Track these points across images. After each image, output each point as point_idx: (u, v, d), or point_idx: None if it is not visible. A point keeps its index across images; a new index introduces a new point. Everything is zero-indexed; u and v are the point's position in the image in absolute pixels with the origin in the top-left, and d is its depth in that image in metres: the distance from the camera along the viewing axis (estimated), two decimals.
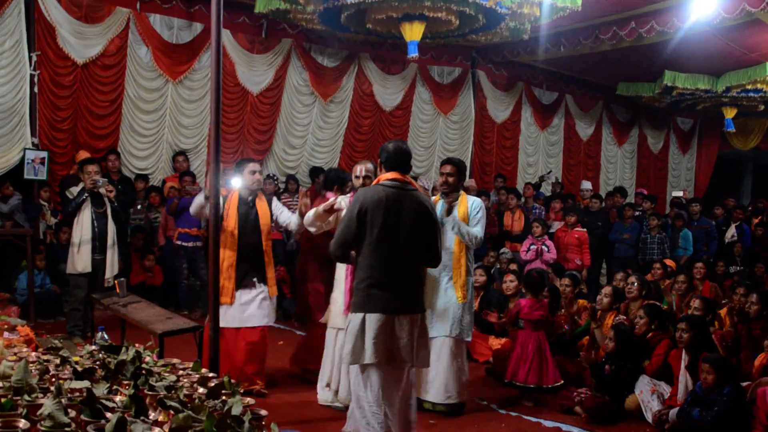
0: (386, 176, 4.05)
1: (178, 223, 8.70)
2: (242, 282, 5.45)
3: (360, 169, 5.22)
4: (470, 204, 5.39)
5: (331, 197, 5.71)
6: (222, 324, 5.25)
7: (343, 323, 4.86)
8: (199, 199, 5.44)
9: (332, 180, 6.21)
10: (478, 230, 5.31)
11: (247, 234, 5.49)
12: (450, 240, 5.27)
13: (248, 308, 5.47)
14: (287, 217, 5.75)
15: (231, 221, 5.44)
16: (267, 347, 5.74)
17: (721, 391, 4.75)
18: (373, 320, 3.90)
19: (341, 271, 5.22)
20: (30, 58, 8.24)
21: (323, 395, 5.39)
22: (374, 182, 4.15)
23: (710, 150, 17.23)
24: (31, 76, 8.26)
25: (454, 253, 5.30)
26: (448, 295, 5.30)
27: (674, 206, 12.14)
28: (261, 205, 5.64)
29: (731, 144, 16.14)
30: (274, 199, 5.96)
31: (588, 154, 14.97)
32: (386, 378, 3.97)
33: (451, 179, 5.35)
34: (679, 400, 5.12)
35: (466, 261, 5.35)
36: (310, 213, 5.23)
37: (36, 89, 8.32)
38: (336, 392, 5.28)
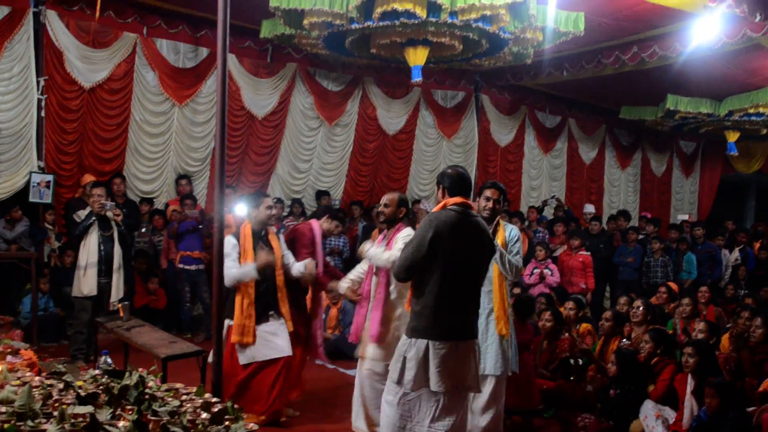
0: (453, 200, 4.01)
1: (180, 247, 8.73)
2: (261, 318, 5.41)
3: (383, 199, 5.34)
4: (507, 232, 5.10)
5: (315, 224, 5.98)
6: (247, 360, 5.32)
7: (371, 353, 4.99)
8: (245, 270, 5.36)
9: (322, 212, 6.41)
10: (518, 259, 5.03)
11: (264, 270, 5.44)
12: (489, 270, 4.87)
13: (274, 339, 5.42)
14: (295, 267, 5.71)
15: (248, 258, 5.38)
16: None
17: (726, 416, 4.71)
18: (438, 347, 3.85)
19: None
20: (38, 82, 8.33)
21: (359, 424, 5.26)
22: (438, 207, 4.06)
23: (713, 173, 17.25)
24: (39, 101, 8.35)
25: (494, 284, 5.00)
26: (490, 330, 4.98)
27: (672, 229, 12.09)
28: (273, 240, 5.61)
29: (734, 167, 16.18)
30: (281, 237, 5.90)
31: (591, 177, 15.00)
32: (441, 401, 3.91)
33: (495, 204, 5.01)
34: (684, 425, 5.08)
35: (506, 293, 5.07)
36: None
37: (43, 113, 8.40)
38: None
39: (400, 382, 3.91)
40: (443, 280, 3.87)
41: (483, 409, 4.96)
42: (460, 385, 3.93)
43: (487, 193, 5.03)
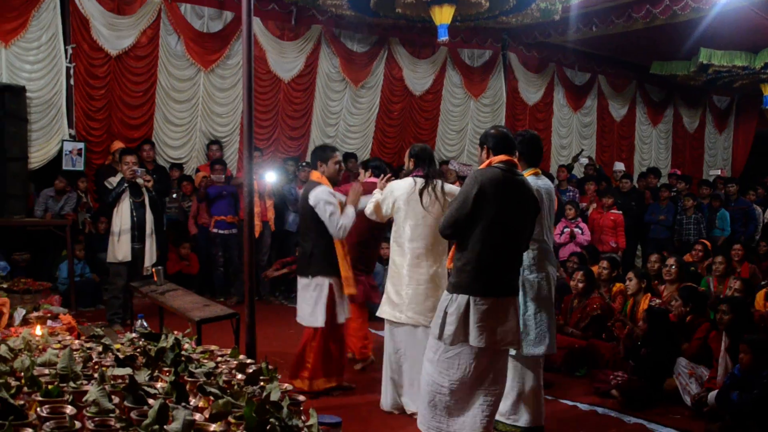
0: (498, 158, 4.00)
1: (213, 211, 8.80)
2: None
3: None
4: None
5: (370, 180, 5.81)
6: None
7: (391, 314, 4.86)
8: (348, 214, 5.15)
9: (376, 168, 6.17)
10: None
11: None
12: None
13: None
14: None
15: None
16: None
17: (760, 373, 4.68)
18: (479, 303, 3.87)
19: (401, 259, 4.89)
20: (66, 51, 8.37)
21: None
22: (484, 164, 4.05)
23: (748, 128, 16.86)
24: (67, 69, 8.40)
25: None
26: None
27: (703, 185, 11.81)
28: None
29: None
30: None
31: (621, 135, 14.76)
32: (480, 359, 3.93)
33: None
34: (719, 382, 5.06)
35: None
36: (370, 205, 5.14)
37: (72, 81, 8.46)
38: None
39: (440, 337, 3.94)
40: (486, 237, 3.88)
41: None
42: (501, 342, 3.94)
43: None
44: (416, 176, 4.91)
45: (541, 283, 4.55)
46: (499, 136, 4.09)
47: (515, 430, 4.63)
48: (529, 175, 4.62)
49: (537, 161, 4.66)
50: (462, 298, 3.90)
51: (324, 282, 5.14)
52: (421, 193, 4.81)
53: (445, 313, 3.94)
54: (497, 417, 4.64)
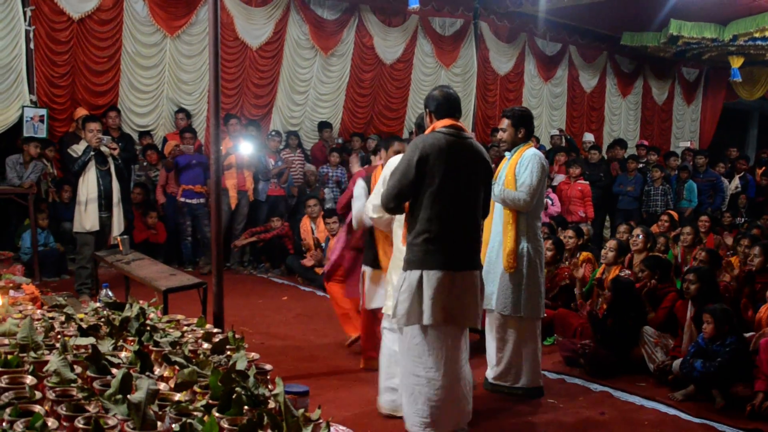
0: (442, 123, 3.73)
1: (182, 180, 8.68)
2: None
3: None
4: (521, 160, 4.62)
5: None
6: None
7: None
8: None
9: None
10: (516, 191, 4.56)
11: None
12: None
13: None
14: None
15: None
16: None
17: (723, 342, 4.76)
18: (432, 277, 3.60)
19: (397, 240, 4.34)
20: (24, 13, 8.10)
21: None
22: (428, 130, 3.77)
23: (716, 100, 17.05)
24: (27, 32, 8.14)
25: (505, 215, 4.63)
26: (499, 264, 4.65)
27: (671, 156, 11.97)
28: None
29: (737, 94, 15.96)
30: None
31: (592, 106, 14.84)
32: (447, 340, 3.68)
33: (507, 135, 4.71)
34: (683, 351, 5.14)
35: (524, 226, 4.63)
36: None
37: (32, 45, 8.20)
38: None
39: (394, 316, 3.73)
40: (434, 206, 3.62)
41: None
42: (458, 320, 3.70)
43: (500, 125, 4.79)
44: None
45: (544, 250, 4.67)
46: (440, 99, 3.79)
47: (516, 391, 4.71)
48: (527, 149, 4.66)
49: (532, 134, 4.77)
50: (414, 274, 3.64)
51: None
52: None
53: (399, 292, 3.72)
54: (497, 381, 4.77)
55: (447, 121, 3.74)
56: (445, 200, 3.63)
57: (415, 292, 3.62)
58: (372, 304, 4.88)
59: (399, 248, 4.12)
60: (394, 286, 4.00)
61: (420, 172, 3.59)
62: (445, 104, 3.78)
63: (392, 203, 3.71)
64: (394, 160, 4.17)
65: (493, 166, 4.02)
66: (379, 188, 4.13)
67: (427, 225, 3.62)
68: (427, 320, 3.59)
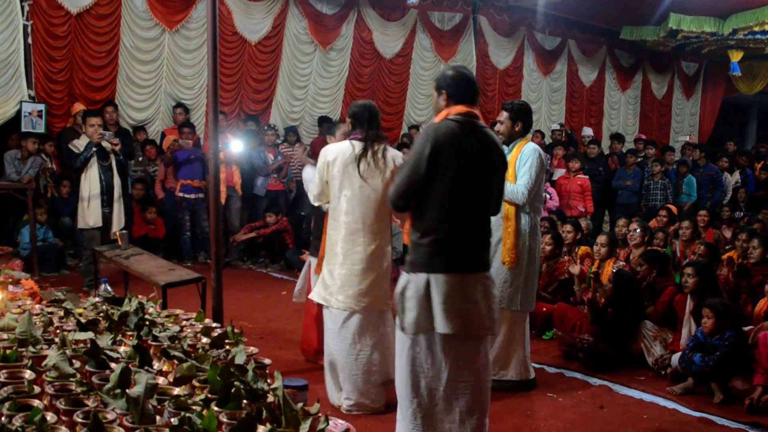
0: (455, 110, 3.28)
1: (180, 175, 8.67)
2: None
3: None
4: (520, 155, 4.60)
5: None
6: None
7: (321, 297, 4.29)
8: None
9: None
10: (517, 185, 4.52)
11: None
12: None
13: None
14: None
15: None
16: None
17: (722, 336, 4.77)
18: (441, 282, 3.19)
19: (336, 235, 4.25)
20: (22, 7, 8.08)
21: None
22: (439, 117, 3.34)
23: (715, 95, 17.02)
24: (25, 27, 8.12)
25: (505, 208, 4.50)
26: (496, 259, 4.55)
27: (668, 150, 11.96)
28: None
29: (737, 88, 15.95)
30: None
31: (591, 100, 14.81)
32: (459, 350, 3.26)
33: (505, 128, 4.68)
34: (682, 345, 5.15)
35: (523, 221, 4.62)
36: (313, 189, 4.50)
37: (30, 40, 8.18)
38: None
39: (402, 326, 3.26)
40: (446, 203, 3.22)
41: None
42: (473, 327, 3.26)
43: (498, 117, 4.74)
44: (353, 139, 4.22)
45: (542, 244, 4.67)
46: (460, 80, 3.36)
47: (505, 384, 4.69)
48: (527, 143, 4.66)
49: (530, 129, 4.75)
50: (420, 278, 3.22)
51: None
52: (358, 160, 4.13)
53: (403, 297, 3.27)
54: None
55: (462, 108, 3.30)
56: (457, 197, 3.24)
57: (423, 298, 3.21)
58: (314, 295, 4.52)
59: (330, 237, 4.27)
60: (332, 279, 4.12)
61: (432, 166, 3.19)
62: (466, 88, 3.36)
63: (401, 201, 3.32)
64: (331, 147, 4.31)
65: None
66: (310, 172, 4.49)
67: (436, 224, 3.23)
68: (442, 329, 3.18)
